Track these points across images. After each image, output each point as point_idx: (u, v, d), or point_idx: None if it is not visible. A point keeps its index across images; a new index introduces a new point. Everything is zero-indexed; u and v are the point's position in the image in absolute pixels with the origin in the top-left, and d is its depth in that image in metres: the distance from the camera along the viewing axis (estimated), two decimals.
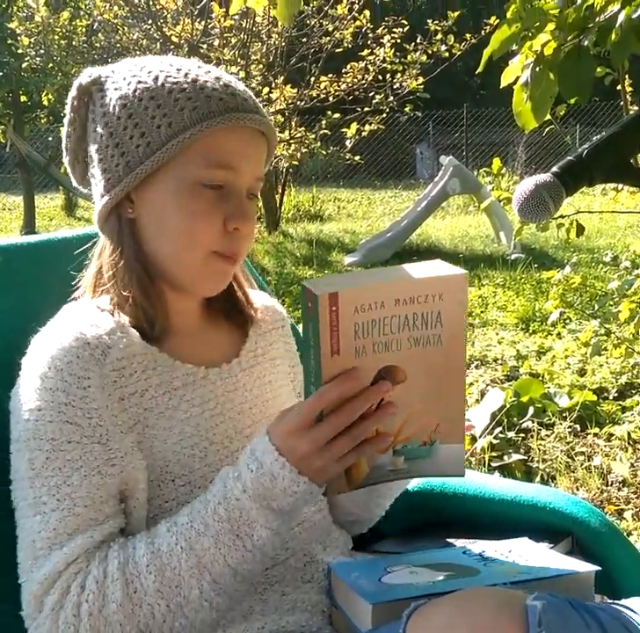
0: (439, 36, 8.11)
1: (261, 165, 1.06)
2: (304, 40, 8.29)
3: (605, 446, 2.95)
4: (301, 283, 0.88)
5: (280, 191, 9.56)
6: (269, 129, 1.05)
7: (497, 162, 3.24)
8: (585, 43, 1.56)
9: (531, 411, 3.14)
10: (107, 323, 1.01)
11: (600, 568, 1.02)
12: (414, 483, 1.35)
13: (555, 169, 1.15)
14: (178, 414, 1.01)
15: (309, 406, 0.88)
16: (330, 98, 8.38)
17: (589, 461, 2.84)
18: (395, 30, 8.18)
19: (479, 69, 1.67)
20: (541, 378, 3.54)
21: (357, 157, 8.75)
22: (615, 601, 0.93)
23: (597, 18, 1.55)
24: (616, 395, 3.40)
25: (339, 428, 0.88)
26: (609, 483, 2.70)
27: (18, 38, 8.88)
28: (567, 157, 1.15)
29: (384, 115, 8.50)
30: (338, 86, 8.34)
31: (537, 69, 1.57)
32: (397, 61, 8.20)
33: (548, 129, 2.78)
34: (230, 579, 0.91)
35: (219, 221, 1.01)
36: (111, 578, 0.89)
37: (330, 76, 8.36)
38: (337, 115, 8.41)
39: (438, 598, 0.83)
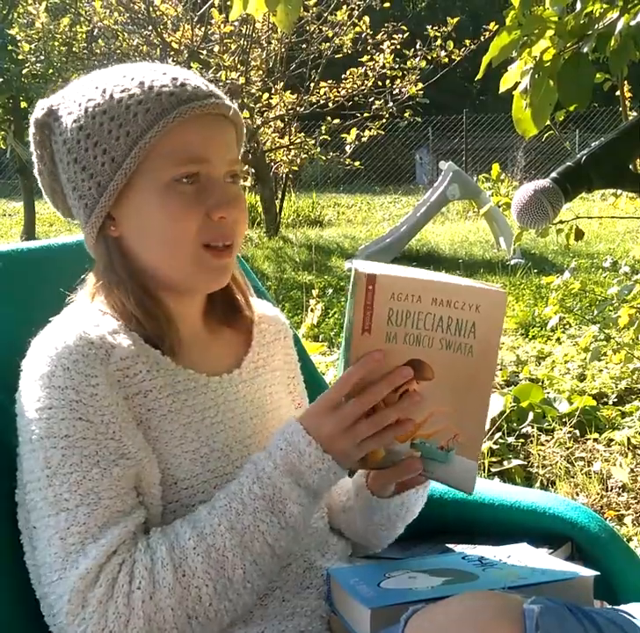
0: (438, 42, 8.13)
1: (233, 148, 1.05)
2: (304, 46, 8.32)
3: (605, 451, 2.95)
4: (352, 261, 0.95)
5: (280, 196, 9.58)
6: (230, 111, 1.03)
7: (496, 167, 3.25)
8: (585, 50, 1.57)
9: (531, 416, 3.14)
10: (110, 324, 1.01)
11: (598, 573, 1.02)
12: None
13: (554, 174, 1.16)
14: (180, 418, 1.02)
15: (335, 388, 0.95)
16: (330, 104, 8.41)
17: (589, 466, 2.84)
18: (394, 36, 8.21)
19: (478, 76, 1.68)
20: (540, 383, 3.54)
21: (357, 163, 8.77)
22: (614, 607, 0.93)
23: (596, 25, 1.55)
24: (616, 400, 3.40)
25: (363, 410, 0.93)
26: (609, 488, 2.70)
27: (19, 44, 8.89)
28: (566, 163, 1.16)
29: (384, 121, 8.53)
30: (338, 92, 8.37)
31: (537, 75, 1.57)
32: (397, 66, 8.22)
33: (547, 135, 2.78)
34: (269, 559, 0.95)
35: (202, 214, 1.00)
36: (160, 563, 0.90)
37: (329, 81, 8.40)
38: (336, 121, 8.44)
39: (435, 602, 0.84)
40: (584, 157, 1.14)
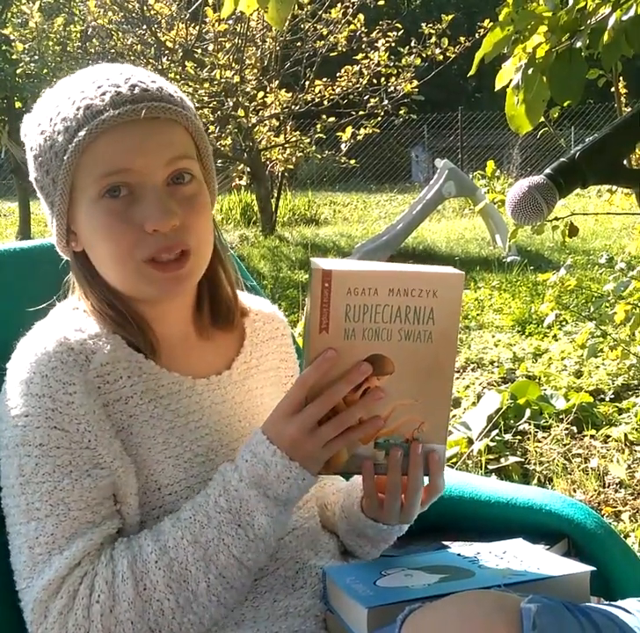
0: (433, 39, 8.12)
1: (173, 146, 0.98)
2: (299, 44, 8.31)
3: (601, 448, 2.95)
4: (311, 258, 0.92)
5: (276, 195, 9.57)
6: (165, 111, 0.97)
7: (491, 164, 3.24)
8: (577, 45, 1.56)
9: (528, 413, 3.14)
10: (92, 327, 1.00)
11: (594, 568, 1.02)
12: None
13: (548, 171, 1.16)
14: (163, 423, 1.00)
15: (292, 392, 0.93)
16: (325, 102, 8.40)
17: (586, 463, 2.84)
18: (389, 33, 8.20)
19: (471, 72, 1.68)
20: (537, 380, 3.54)
21: (352, 161, 8.77)
22: (611, 603, 0.92)
23: (588, 21, 1.55)
24: (613, 396, 3.40)
25: (324, 411, 0.91)
26: (606, 484, 2.70)
27: (13, 44, 8.87)
28: (560, 159, 1.15)
29: (379, 119, 8.52)
30: (333, 90, 8.36)
31: (529, 71, 1.57)
32: (392, 64, 8.21)
33: (542, 132, 2.78)
34: (236, 572, 0.93)
35: (135, 229, 0.95)
36: (121, 576, 0.90)
37: (324, 80, 8.39)
38: (332, 119, 8.43)
39: (432, 601, 0.83)
40: (578, 153, 1.13)
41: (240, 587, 0.95)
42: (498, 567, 1.02)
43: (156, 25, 7.94)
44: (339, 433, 0.92)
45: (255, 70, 8.31)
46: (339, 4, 8.03)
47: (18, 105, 10.39)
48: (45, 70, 9.01)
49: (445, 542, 1.26)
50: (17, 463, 0.93)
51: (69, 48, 9.17)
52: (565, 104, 1.53)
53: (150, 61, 7.93)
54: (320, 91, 8.36)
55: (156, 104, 0.96)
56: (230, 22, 7.61)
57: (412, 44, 8.23)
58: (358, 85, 8.31)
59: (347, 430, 0.93)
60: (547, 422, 3.13)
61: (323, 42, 8.22)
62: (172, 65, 7.85)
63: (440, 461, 0.99)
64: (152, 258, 0.97)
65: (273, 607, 1.01)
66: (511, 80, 1.77)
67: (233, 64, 7.84)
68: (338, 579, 1.00)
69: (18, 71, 9.13)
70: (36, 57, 8.76)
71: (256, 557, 0.94)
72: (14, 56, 9.07)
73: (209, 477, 1.00)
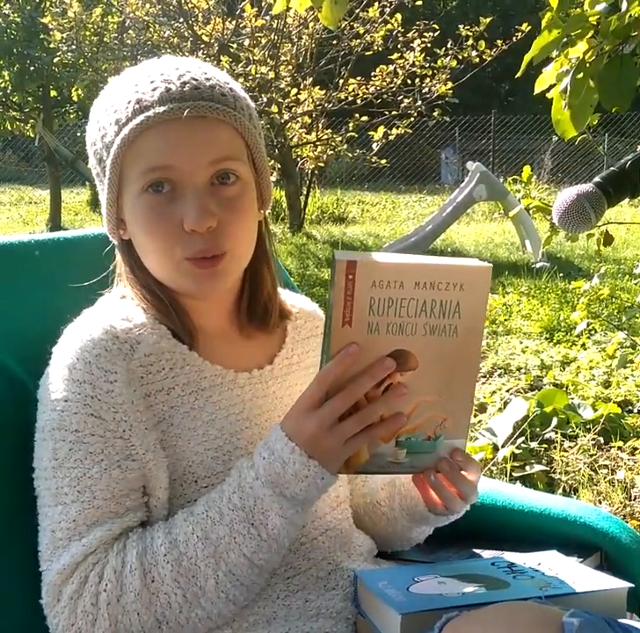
0: (470, 42, 8.08)
1: (217, 147, 0.97)
2: (334, 42, 8.29)
3: (628, 459, 2.92)
4: (334, 251, 0.88)
5: (305, 192, 9.57)
6: (213, 110, 0.96)
7: (527, 170, 3.21)
8: (627, 51, 1.54)
9: (554, 421, 3.11)
10: (139, 317, 1.01)
11: (632, 585, 1.00)
12: None
13: (597, 179, 1.15)
14: (203, 415, 1.01)
15: (313, 387, 0.90)
16: (359, 101, 8.39)
17: (612, 474, 2.80)
18: (425, 34, 8.17)
19: (518, 74, 1.67)
20: (565, 389, 3.51)
21: (383, 161, 8.74)
22: None
23: None
24: None
25: (345, 407, 0.89)
26: (632, 497, 2.67)
27: (51, 33, 8.95)
28: (610, 168, 1.14)
29: (412, 119, 8.48)
30: (367, 89, 8.35)
31: (578, 76, 1.55)
32: (427, 65, 8.17)
33: (580, 138, 2.75)
34: (247, 570, 0.92)
35: (175, 225, 0.96)
36: (129, 567, 0.91)
37: (358, 78, 8.37)
38: (364, 118, 8.41)
39: (471, 611, 0.82)
40: (628, 163, 1.12)
41: (250, 585, 0.94)
42: (532, 579, 1.01)
43: (192, 19, 7.97)
44: (360, 430, 0.90)
45: (290, 67, 8.32)
46: (377, 3, 8.01)
47: (53, 93, 10.49)
48: (81, 60, 9.10)
49: (476, 550, 1.25)
50: (51, 447, 0.94)
51: (105, 39, 9.26)
52: (613, 110, 1.50)
53: (186, 54, 7.96)
54: (354, 90, 8.35)
55: (203, 103, 0.96)
56: (267, 18, 7.62)
57: (448, 45, 8.18)
58: (392, 85, 8.29)
59: (369, 427, 0.90)
60: (573, 431, 3.09)
61: (359, 41, 8.20)
62: (208, 59, 7.86)
63: (465, 456, 1.00)
64: (187, 257, 0.98)
65: (305, 607, 1.01)
66: (551, 85, 1.75)
67: (268, 60, 7.85)
68: (370, 583, 0.99)
69: (55, 60, 9.22)
70: (73, 47, 8.84)
71: (268, 557, 0.93)
72: (52, 45, 9.16)
73: None
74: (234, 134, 1.00)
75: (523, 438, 2.96)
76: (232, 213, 0.98)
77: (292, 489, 0.91)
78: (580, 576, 1.02)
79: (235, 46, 7.99)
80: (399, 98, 8.33)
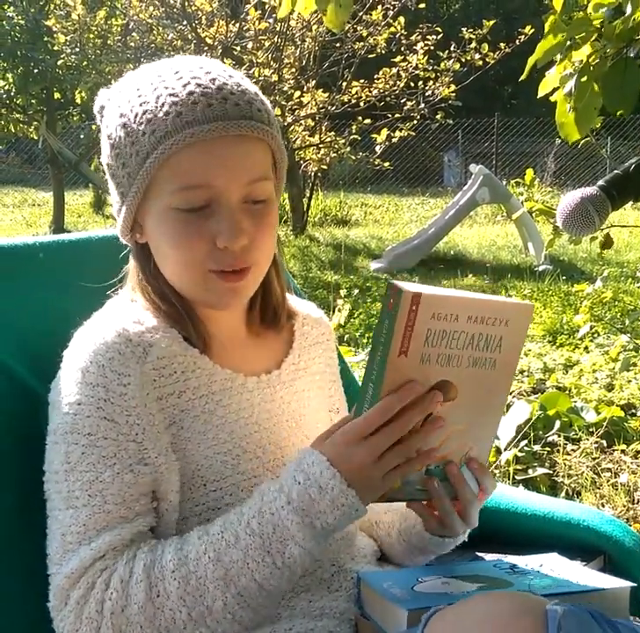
0: (473, 44, 8.08)
1: (255, 167, 0.97)
2: (338, 44, 8.30)
3: (632, 463, 2.91)
4: (388, 281, 0.90)
5: (308, 195, 9.57)
6: (254, 130, 0.95)
7: (530, 173, 3.21)
8: (631, 54, 1.54)
9: (557, 424, 3.11)
10: (150, 320, 1.01)
11: (635, 584, 1.00)
12: None
13: (601, 182, 1.15)
14: (214, 419, 1.01)
15: (372, 417, 0.89)
16: (362, 104, 8.39)
17: (615, 477, 2.80)
18: (428, 37, 8.17)
19: (522, 77, 1.67)
20: (568, 392, 3.50)
21: (386, 164, 8.74)
22: None
23: None
24: None
25: (395, 438, 0.88)
26: (635, 500, 2.66)
27: (55, 35, 8.98)
28: (614, 171, 1.14)
29: (415, 122, 8.49)
30: (370, 92, 8.35)
31: (582, 79, 1.55)
32: (430, 68, 8.18)
33: (583, 141, 2.75)
34: (256, 593, 0.91)
35: (207, 241, 0.96)
36: (135, 578, 0.90)
37: (361, 81, 8.37)
38: (367, 121, 8.41)
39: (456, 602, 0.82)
40: (632, 166, 1.12)
41: (257, 607, 0.92)
42: (534, 579, 1.01)
43: (196, 22, 7.97)
44: (401, 463, 0.90)
45: (293, 70, 8.32)
46: (380, 6, 8.01)
47: (56, 96, 10.51)
48: (85, 63, 9.11)
49: (479, 554, 1.25)
50: (64, 450, 0.94)
51: (109, 42, 9.26)
52: (618, 113, 1.51)
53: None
54: (357, 93, 8.36)
55: (245, 122, 0.95)
56: (270, 20, 7.63)
57: (451, 48, 8.19)
58: (395, 88, 8.29)
59: (409, 460, 0.91)
60: (576, 435, 3.09)
61: (362, 44, 8.21)
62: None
63: (481, 465, 1.00)
64: (213, 270, 0.98)
65: (309, 607, 1.01)
66: (554, 88, 1.76)
67: (271, 63, 7.85)
68: (374, 584, 0.99)
69: (59, 63, 9.24)
70: (77, 49, 8.87)
71: (279, 584, 0.91)
72: (55, 48, 9.17)
73: (256, 475, 1.01)
74: (267, 151, 1.00)
75: (526, 441, 2.96)
76: (262, 230, 0.99)
77: (324, 518, 0.89)
78: (582, 577, 1.03)
79: (238, 48, 7.99)
80: (402, 101, 8.34)
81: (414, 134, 8.80)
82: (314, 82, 8.32)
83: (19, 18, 9.93)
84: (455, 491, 0.99)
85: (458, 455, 0.97)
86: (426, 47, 8.17)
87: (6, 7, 10.13)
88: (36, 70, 9.80)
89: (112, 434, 0.93)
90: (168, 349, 0.99)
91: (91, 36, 9.02)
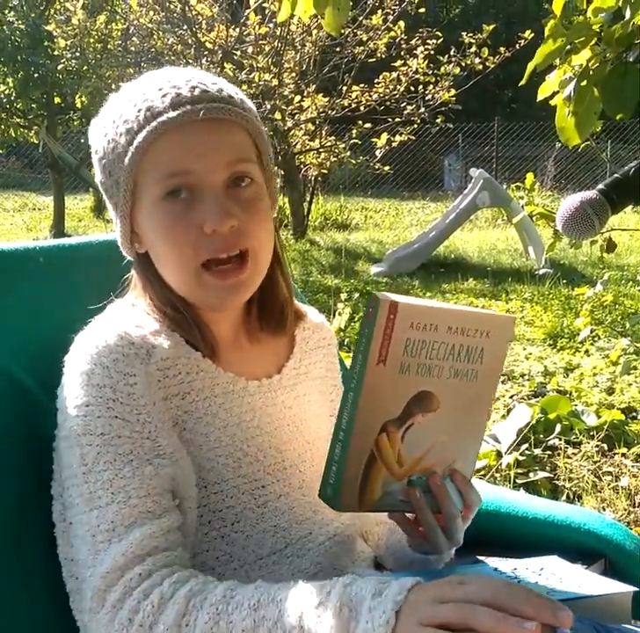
0: (473, 49, 8.09)
1: (232, 149, 0.97)
2: (338, 49, 8.31)
3: (632, 466, 2.91)
4: (371, 292, 0.91)
5: (309, 199, 9.58)
6: (225, 112, 0.96)
7: (530, 177, 3.21)
8: (631, 59, 1.55)
9: (558, 428, 3.11)
10: (151, 324, 1.00)
11: (637, 589, 1.00)
12: None
13: (601, 186, 1.15)
14: (216, 421, 1.01)
15: (483, 594, 0.75)
16: (362, 108, 8.40)
17: (616, 481, 2.80)
18: (428, 41, 8.19)
19: (522, 81, 1.67)
20: (568, 395, 3.50)
21: (386, 167, 8.75)
22: None
23: None
24: None
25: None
26: (636, 504, 2.66)
27: (55, 40, 8.99)
28: (614, 175, 1.14)
29: (415, 126, 8.50)
30: (370, 96, 8.37)
31: (582, 83, 1.55)
32: (430, 72, 8.19)
33: (583, 145, 2.75)
34: None
35: (195, 230, 0.95)
36: (174, 599, 0.85)
37: (362, 85, 8.39)
38: (367, 125, 8.43)
39: None
40: (632, 170, 1.12)
41: None
42: (537, 583, 1.01)
43: (196, 26, 7.99)
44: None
45: (293, 74, 8.34)
46: (380, 11, 8.03)
47: (57, 100, 10.52)
48: (85, 67, 9.13)
49: (480, 557, 1.24)
50: (79, 453, 0.92)
51: (109, 46, 9.29)
52: (617, 117, 1.51)
53: (190, 61, 7.98)
54: (357, 97, 8.37)
55: (216, 105, 0.96)
56: (270, 25, 7.64)
57: (451, 53, 8.20)
58: (395, 92, 8.31)
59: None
60: (577, 438, 3.09)
61: (362, 48, 8.22)
62: (211, 66, 7.89)
63: (464, 477, 0.99)
64: (211, 259, 0.97)
65: None
66: (554, 92, 1.76)
67: (272, 67, 7.87)
68: None
69: (59, 67, 9.26)
70: (77, 54, 8.89)
71: None
72: (56, 52, 9.19)
73: (256, 478, 1.01)
74: (246, 135, 1.00)
75: (527, 444, 2.96)
76: (251, 213, 0.98)
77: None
78: (585, 581, 1.03)
79: (238, 53, 8.00)
80: (402, 105, 8.35)
81: (414, 138, 8.81)
82: (314, 86, 8.33)
83: (20, 22, 9.95)
84: (438, 504, 0.98)
85: (441, 467, 0.97)
86: (426, 52, 8.19)
87: (7, 12, 10.15)
88: (36, 75, 9.81)
89: (126, 432, 0.92)
90: (171, 350, 0.99)
91: (92, 41, 9.05)
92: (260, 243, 1.00)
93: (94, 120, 1.05)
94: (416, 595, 0.77)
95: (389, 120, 8.50)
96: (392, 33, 8.13)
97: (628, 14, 1.50)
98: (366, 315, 0.89)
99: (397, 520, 1.05)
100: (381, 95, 8.33)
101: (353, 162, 8.86)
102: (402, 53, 8.22)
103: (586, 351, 4.30)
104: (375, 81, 8.39)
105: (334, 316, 4.55)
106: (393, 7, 8.06)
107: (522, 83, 1.64)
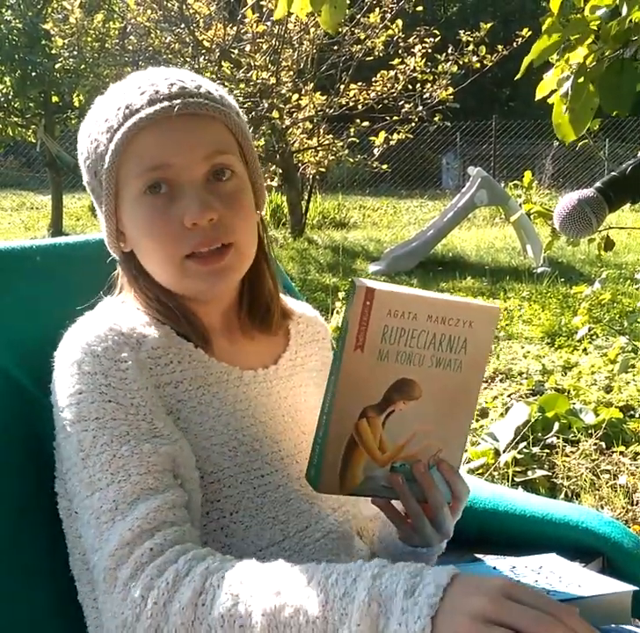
0: (470, 47, 8.09)
1: (210, 142, 0.98)
2: (335, 47, 8.31)
3: (630, 464, 2.91)
4: (354, 279, 0.92)
5: (306, 197, 9.58)
6: (202, 107, 0.97)
7: (528, 175, 3.21)
8: (628, 56, 1.55)
9: (556, 426, 3.11)
10: (142, 317, 1.01)
11: (637, 588, 1.00)
12: None
13: (598, 184, 1.14)
14: (210, 410, 1.01)
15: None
16: (360, 107, 8.40)
17: (614, 479, 2.80)
18: (426, 40, 8.18)
19: (517, 76, 1.67)
20: (566, 394, 3.50)
21: (384, 166, 8.75)
22: None
23: None
24: None
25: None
26: (634, 502, 2.66)
27: (53, 39, 8.98)
28: (611, 173, 1.14)
29: (413, 124, 8.50)
30: (368, 94, 8.37)
31: (578, 80, 1.55)
32: (428, 70, 8.19)
33: (581, 143, 2.75)
34: None
35: (176, 224, 0.96)
36: (190, 577, 0.82)
37: (359, 84, 8.38)
38: (365, 123, 8.42)
39: None
40: (630, 168, 1.12)
41: None
42: (536, 582, 1.01)
43: (194, 25, 7.98)
44: None
45: (291, 72, 8.33)
46: (378, 9, 8.02)
47: (54, 99, 10.50)
48: (82, 66, 9.12)
49: (478, 556, 1.25)
50: (75, 440, 0.92)
51: (107, 45, 9.29)
52: (614, 113, 1.51)
53: (187, 60, 7.97)
54: (355, 95, 8.37)
55: (193, 100, 0.97)
56: (268, 23, 7.63)
57: (449, 51, 8.20)
58: (393, 90, 8.31)
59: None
60: (575, 436, 3.09)
61: (360, 46, 8.22)
62: (209, 65, 7.89)
63: (451, 467, 0.98)
64: (192, 252, 0.97)
65: None
66: (552, 90, 1.76)
67: (269, 66, 7.86)
68: None
69: (57, 66, 9.24)
70: (75, 53, 8.87)
71: None
72: (53, 51, 9.18)
73: (253, 468, 1.00)
74: (224, 130, 1.01)
75: (525, 443, 2.96)
76: (232, 207, 0.99)
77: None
78: (584, 580, 1.02)
79: (236, 51, 8.00)
80: (400, 104, 8.35)
81: (412, 136, 8.81)
82: (312, 84, 8.33)
83: (17, 21, 9.93)
84: (424, 493, 0.97)
85: (426, 456, 0.97)
86: (424, 50, 8.18)
87: (4, 10, 10.14)
88: (34, 74, 9.80)
89: (121, 415, 0.92)
90: (162, 340, 0.99)
91: (89, 39, 9.03)
92: (241, 237, 1.01)
93: (82, 123, 1.06)
94: (455, 589, 0.71)
95: (387, 118, 8.49)
96: (390, 32, 8.12)
97: (624, 11, 1.50)
98: (348, 302, 0.90)
99: (383, 509, 1.04)
100: (379, 93, 8.33)
101: (351, 160, 8.86)
102: (399, 51, 8.22)
103: (584, 349, 4.30)
104: (373, 79, 8.39)
105: (332, 314, 4.55)
106: (391, 5, 8.06)
107: (518, 77, 1.64)
